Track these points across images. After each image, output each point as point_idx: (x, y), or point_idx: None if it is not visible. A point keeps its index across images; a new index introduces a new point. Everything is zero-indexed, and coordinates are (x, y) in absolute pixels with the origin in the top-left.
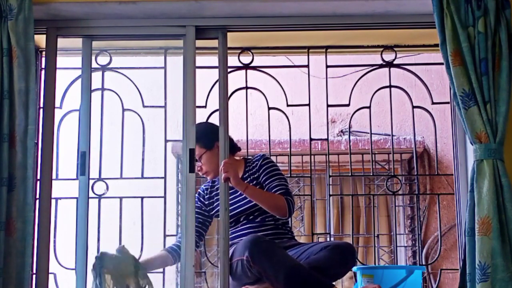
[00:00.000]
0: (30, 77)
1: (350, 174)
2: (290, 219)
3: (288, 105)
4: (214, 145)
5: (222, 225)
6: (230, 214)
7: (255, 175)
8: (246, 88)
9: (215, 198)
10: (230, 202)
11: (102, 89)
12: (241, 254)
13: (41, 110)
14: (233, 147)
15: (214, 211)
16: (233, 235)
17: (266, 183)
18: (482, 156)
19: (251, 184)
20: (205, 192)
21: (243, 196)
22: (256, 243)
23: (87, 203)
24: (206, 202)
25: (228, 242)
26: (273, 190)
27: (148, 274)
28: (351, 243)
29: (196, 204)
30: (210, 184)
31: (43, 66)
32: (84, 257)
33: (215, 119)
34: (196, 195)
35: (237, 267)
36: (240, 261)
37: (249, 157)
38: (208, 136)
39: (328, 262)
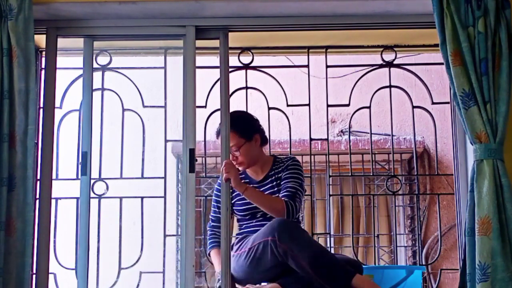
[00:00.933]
0: (30, 77)
1: (350, 174)
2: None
3: (288, 105)
4: (253, 137)
5: (223, 225)
6: (247, 207)
7: (280, 175)
8: (246, 88)
9: (235, 192)
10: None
11: (102, 89)
12: (266, 236)
13: (41, 110)
14: (264, 139)
15: (235, 204)
16: (248, 229)
17: (282, 183)
18: (482, 156)
19: (274, 183)
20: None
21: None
22: (284, 223)
23: (88, 203)
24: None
25: (229, 241)
26: (282, 191)
27: (149, 274)
28: (351, 243)
29: (215, 198)
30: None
31: (43, 66)
32: (85, 257)
33: (215, 119)
34: (216, 186)
35: (257, 251)
36: (263, 242)
37: (280, 156)
38: (249, 127)
39: (346, 271)
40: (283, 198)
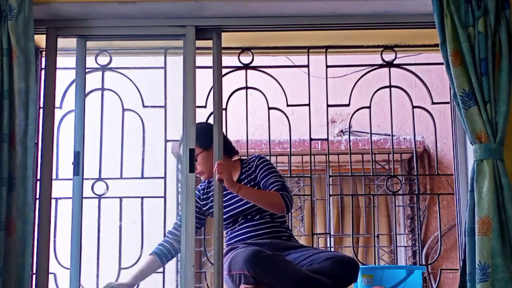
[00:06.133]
0: (30, 77)
1: (350, 174)
2: (289, 217)
3: (288, 105)
4: (211, 146)
5: (216, 225)
6: (228, 215)
7: (252, 176)
8: (246, 88)
9: (211, 198)
10: (228, 203)
11: (102, 89)
12: (243, 269)
13: (41, 110)
14: (231, 150)
15: (209, 211)
16: (232, 235)
17: (263, 182)
18: (482, 156)
19: (248, 185)
20: (201, 192)
21: (240, 197)
22: (257, 260)
23: (81, 203)
24: (202, 202)
25: (222, 242)
26: (270, 187)
27: None
28: (351, 243)
29: (196, 203)
30: (206, 184)
31: (43, 66)
32: (78, 256)
33: None
34: (196, 192)
35: (240, 279)
36: (242, 274)
37: (244, 157)
38: (205, 136)
39: (330, 274)
40: (277, 191)
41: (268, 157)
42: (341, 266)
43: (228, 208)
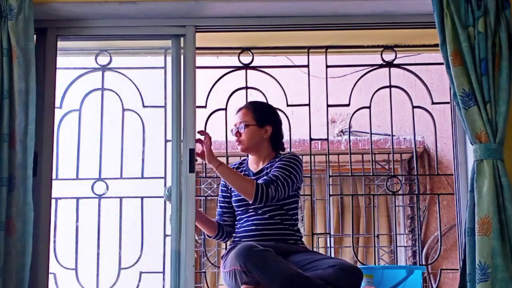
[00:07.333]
0: (30, 77)
1: (350, 174)
2: (300, 220)
3: (288, 105)
4: (264, 126)
5: None
6: (238, 200)
7: (272, 168)
8: (246, 88)
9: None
10: None
11: (102, 89)
12: (235, 264)
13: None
14: (277, 145)
15: (235, 192)
16: (238, 230)
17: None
18: (482, 156)
19: (266, 176)
20: None
21: None
22: (248, 254)
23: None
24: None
25: None
26: (263, 178)
27: (149, 274)
28: (351, 243)
29: (220, 193)
30: (237, 165)
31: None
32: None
33: (215, 119)
34: (222, 181)
35: (234, 275)
36: (235, 270)
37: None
38: (264, 114)
39: (333, 281)
40: (259, 182)
41: (301, 157)
42: (344, 274)
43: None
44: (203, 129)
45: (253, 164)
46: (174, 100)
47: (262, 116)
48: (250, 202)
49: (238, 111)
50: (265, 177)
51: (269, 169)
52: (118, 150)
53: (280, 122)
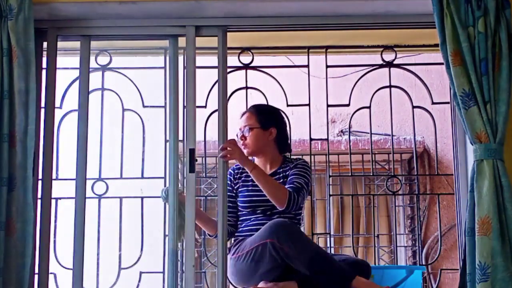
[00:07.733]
0: (30, 77)
1: (350, 174)
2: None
3: (288, 105)
4: (269, 129)
5: (220, 210)
6: (248, 199)
7: (287, 173)
8: (246, 88)
9: (240, 183)
10: (250, 188)
11: (102, 89)
12: (265, 238)
13: (41, 110)
14: (283, 146)
15: (240, 189)
16: (245, 228)
17: (289, 178)
18: (482, 156)
19: (279, 181)
20: (235, 171)
21: None
22: (283, 226)
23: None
24: (235, 181)
25: (225, 237)
26: (288, 184)
27: (149, 274)
28: (351, 243)
29: (228, 187)
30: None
31: (43, 66)
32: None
33: (215, 119)
34: (228, 175)
35: (256, 253)
36: (262, 245)
37: (292, 157)
38: (269, 117)
39: (344, 275)
40: (289, 189)
41: (309, 165)
42: (356, 270)
43: (250, 193)
44: (204, 129)
45: (260, 167)
46: (171, 100)
47: (266, 119)
48: (280, 209)
49: (242, 115)
50: (291, 185)
51: (281, 174)
52: (118, 150)
53: (285, 124)
